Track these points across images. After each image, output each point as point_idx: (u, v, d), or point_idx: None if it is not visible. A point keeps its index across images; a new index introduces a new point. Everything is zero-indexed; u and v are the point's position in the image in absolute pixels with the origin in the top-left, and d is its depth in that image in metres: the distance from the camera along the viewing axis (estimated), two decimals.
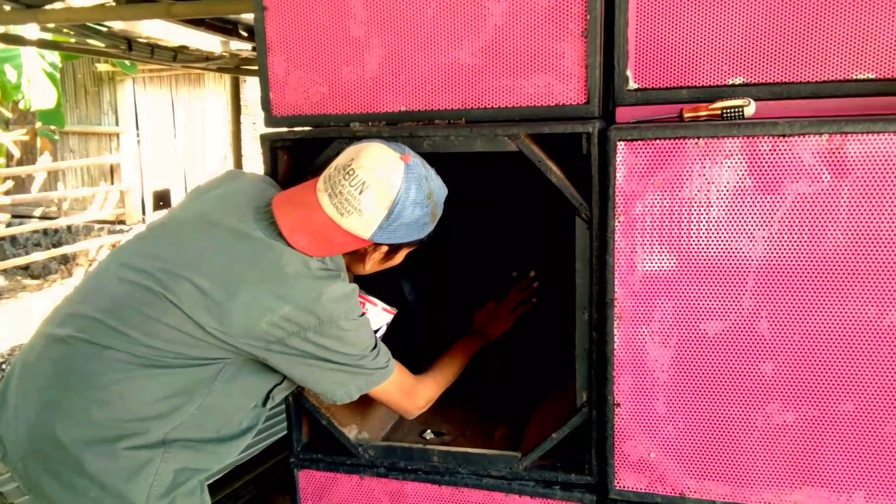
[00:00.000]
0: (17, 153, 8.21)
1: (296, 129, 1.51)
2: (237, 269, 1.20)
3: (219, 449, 1.29)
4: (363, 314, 1.32)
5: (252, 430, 1.36)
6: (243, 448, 1.35)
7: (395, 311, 1.49)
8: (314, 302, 1.20)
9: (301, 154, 1.53)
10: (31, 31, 3.85)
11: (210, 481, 1.36)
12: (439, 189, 1.33)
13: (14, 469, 1.22)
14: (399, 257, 1.41)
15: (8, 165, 8.26)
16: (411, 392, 1.43)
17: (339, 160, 1.26)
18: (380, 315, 1.47)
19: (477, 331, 1.70)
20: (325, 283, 1.23)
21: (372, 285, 1.48)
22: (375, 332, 1.46)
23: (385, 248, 1.33)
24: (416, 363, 1.51)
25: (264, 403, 1.36)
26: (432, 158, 1.35)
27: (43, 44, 3.89)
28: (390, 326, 1.50)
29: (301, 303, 1.20)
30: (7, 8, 3.02)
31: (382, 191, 1.21)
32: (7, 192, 7.98)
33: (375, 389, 1.34)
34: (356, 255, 1.35)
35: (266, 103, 1.50)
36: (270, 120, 1.51)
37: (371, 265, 1.38)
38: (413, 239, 1.31)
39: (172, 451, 1.21)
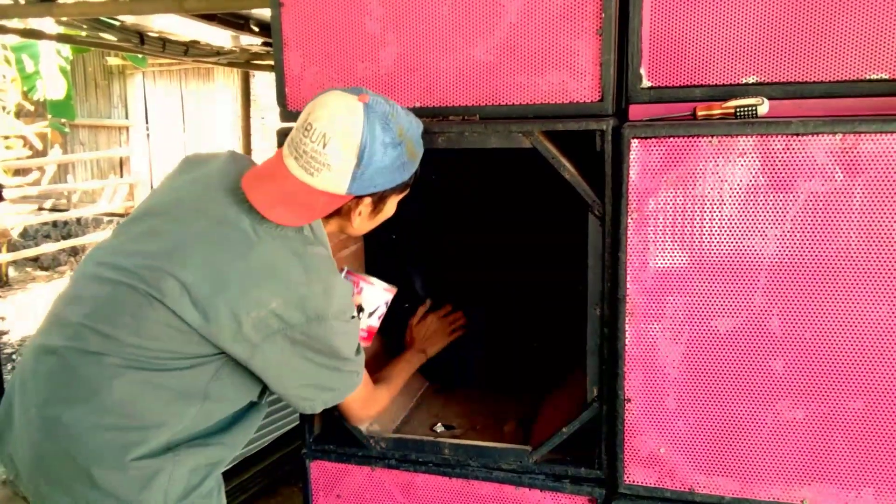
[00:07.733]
0: (39, 145, 8.21)
1: None
2: (221, 261, 1.14)
3: (225, 439, 1.25)
4: (354, 317, 1.27)
5: (255, 412, 1.32)
6: (254, 430, 1.32)
7: (395, 289, 1.48)
8: (304, 298, 1.15)
9: None
10: (48, 24, 3.88)
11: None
12: (411, 125, 1.24)
13: (27, 489, 1.19)
14: (390, 208, 1.32)
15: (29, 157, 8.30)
16: (369, 401, 1.46)
17: (299, 119, 1.20)
18: (379, 294, 1.46)
19: (415, 349, 1.71)
20: (317, 277, 1.18)
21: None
22: (373, 311, 1.46)
23: (369, 200, 1.24)
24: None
25: (260, 397, 1.32)
26: (446, 155, 1.37)
27: (58, 37, 3.92)
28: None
29: (290, 298, 1.15)
30: (22, 1, 3.05)
31: (345, 138, 1.14)
32: (34, 183, 8.02)
33: None
34: (342, 216, 1.28)
35: (281, 98, 1.52)
36: (286, 115, 1.52)
37: (360, 222, 1.29)
38: (396, 184, 1.23)
39: (181, 454, 1.17)
